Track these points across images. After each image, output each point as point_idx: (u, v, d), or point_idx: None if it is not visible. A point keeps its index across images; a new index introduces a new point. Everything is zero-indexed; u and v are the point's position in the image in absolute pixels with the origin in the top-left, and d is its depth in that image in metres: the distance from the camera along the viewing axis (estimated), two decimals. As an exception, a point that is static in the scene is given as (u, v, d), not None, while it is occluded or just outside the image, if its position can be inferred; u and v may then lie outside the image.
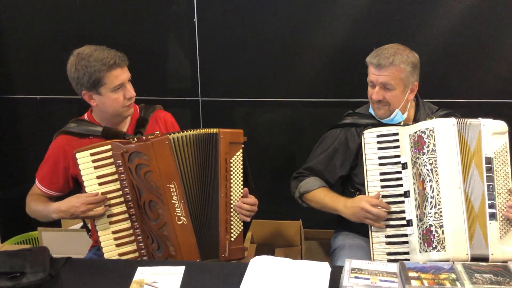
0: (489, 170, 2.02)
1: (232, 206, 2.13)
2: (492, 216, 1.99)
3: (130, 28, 2.93)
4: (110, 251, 2.05)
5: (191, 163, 2.09)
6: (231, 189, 2.13)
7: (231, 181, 2.13)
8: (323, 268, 1.76)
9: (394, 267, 1.65)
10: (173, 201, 2.04)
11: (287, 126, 3.09)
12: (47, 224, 2.87)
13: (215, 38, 2.92)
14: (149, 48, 2.95)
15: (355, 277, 1.59)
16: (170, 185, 2.04)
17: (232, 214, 2.14)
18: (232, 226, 2.14)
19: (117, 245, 2.05)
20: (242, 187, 2.15)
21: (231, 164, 2.13)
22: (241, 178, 2.15)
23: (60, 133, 2.22)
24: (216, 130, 2.12)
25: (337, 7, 2.84)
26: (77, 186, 2.25)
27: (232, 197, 2.14)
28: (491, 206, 2.00)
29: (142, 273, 1.79)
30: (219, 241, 2.12)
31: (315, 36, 2.89)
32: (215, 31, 2.91)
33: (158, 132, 2.13)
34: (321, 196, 2.30)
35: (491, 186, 2.01)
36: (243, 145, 2.16)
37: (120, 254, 2.05)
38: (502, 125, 2.07)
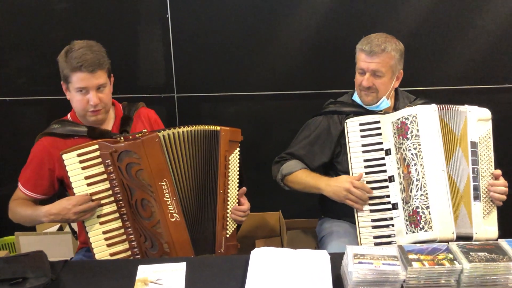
0: (474, 154, 2.13)
1: (228, 203, 2.16)
2: (477, 197, 2.10)
3: (101, 25, 2.88)
4: (101, 251, 2.03)
5: (183, 160, 2.09)
6: (228, 186, 2.16)
7: (229, 178, 2.16)
8: (323, 256, 1.80)
9: (394, 251, 1.71)
10: (165, 199, 2.04)
11: (263, 119, 3.14)
12: (24, 228, 2.83)
13: (189, 34, 2.92)
14: (122, 46, 2.92)
15: (359, 263, 1.64)
16: (162, 183, 2.04)
17: (228, 211, 2.17)
18: (227, 223, 2.17)
19: (108, 245, 2.04)
20: (238, 184, 2.18)
21: (229, 162, 2.15)
22: (237, 176, 2.19)
23: (43, 135, 2.18)
24: (217, 128, 2.14)
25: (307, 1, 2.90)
26: (62, 188, 2.22)
27: (229, 194, 2.16)
28: (476, 188, 2.11)
29: (144, 272, 1.79)
30: (216, 237, 2.15)
31: (287, 30, 2.94)
32: (189, 26, 2.91)
33: (145, 130, 2.12)
34: (303, 176, 2.35)
35: (475, 169, 2.12)
36: (239, 144, 2.20)
37: (112, 254, 2.03)
38: (486, 112, 2.18)
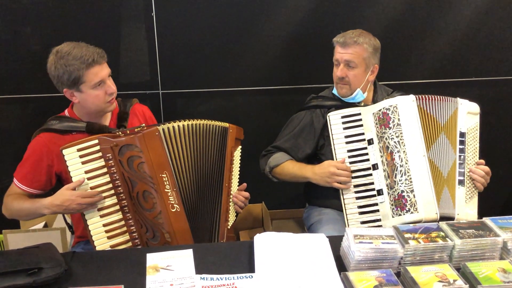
0: (462, 143, 2.29)
1: (231, 197, 2.26)
2: (461, 182, 2.26)
3: (86, 23, 2.90)
4: (102, 243, 2.07)
5: (184, 152, 2.16)
6: (232, 181, 2.26)
7: (232, 173, 2.26)
8: (322, 239, 1.92)
9: (390, 231, 1.84)
10: (166, 190, 2.11)
11: (246, 113, 3.22)
12: (11, 226, 2.83)
13: (174, 31, 2.97)
14: (107, 43, 2.90)
15: (360, 242, 1.76)
16: (162, 175, 2.10)
17: (230, 203, 2.26)
18: (229, 215, 2.26)
19: (109, 237, 2.08)
20: (238, 179, 2.29)
21: (234, 158, 2.25)
22: (238, 172, 2.30)
23: (42, 131, 2.20)
24: (226, 125, 2.24)
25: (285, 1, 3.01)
26: (59, 183, 2.24)
27: (232, 189, 2.27)
28: (461, 174, 2.27)
29: (153, 259, 1.84)
30: (220, 228, 2.23)
31: (268, 26, 3.04)
32: (173, 24, 2.96)
33: (144, 125, 2.18)
34: (290, 167, 2.48)
35: (462, 156, 2.28)
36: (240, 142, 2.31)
37: (112, 246, 2.08)
38: (475, 107, 2.37)
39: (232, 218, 2.28)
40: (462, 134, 2.30)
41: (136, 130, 2.13)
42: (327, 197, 2.49)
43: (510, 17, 3.16)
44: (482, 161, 2.31)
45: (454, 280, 1.63)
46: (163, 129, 2.12)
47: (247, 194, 2.32)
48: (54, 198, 2.05)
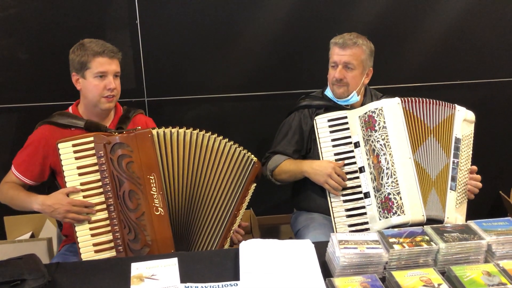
0: (456, 148, 2.31)
1: (234, 226, 2.28)
2: (453, 187, 2.27)
3: (70, 31, 2.90)
4: (85, 240, 2.10)
5: (180, 159, 2.18)
6: (240, 211, 2.29)
7: (243, 205, 2.29)
8: (307, 245, 1.91)
9: (375, 236, 1.84)
10: (152, 192, 2.12)
11: (237, 119, 3.23)
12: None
13: (158, 39, 2.98)
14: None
15: (345, 248, 1.76)
16: (150, 177, 2.12)
17: (231, 232, 2.28)
18: (226, 241, 2.28)
19: (93, 235, 2.10)
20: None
21: (249, 191, 2.29)
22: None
23: (44, 123, 2.30)
24: (255, 159, 2.28)
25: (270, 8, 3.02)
26: (52, 177, 2.31)
27: (237, 218, 2.29)
28: (454, 178, 2.28)
29: (138, 268, 1.82)
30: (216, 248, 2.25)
31: (256, 31, 3.06)
32: (158, 31, 2.97)
33: (139, 127, 2.25)
34: (287, 165, 2.49)
35: (455, 161, 2.29)
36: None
37: (95, 244, 2.10)
38: (471, 115, 2.39)
39: (227, 244, 2.30)
40: (458, 140, 2.31)
41: (131, 131, 2.17)
42: (315, 200, 2.50)
43: (495, 20, 3.18)
44: (475, 167, 2.34)
45: (439, 284, 1.63)
46: (157, 132, 2.15)
47: (243, 232, 2.35)
48: (47, 198, 2.12)
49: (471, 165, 2.35)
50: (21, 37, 2.89)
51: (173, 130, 2.17)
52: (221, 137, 2.24)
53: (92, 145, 2.10)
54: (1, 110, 3.01)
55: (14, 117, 3.02)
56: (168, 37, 2.98)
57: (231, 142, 2.25)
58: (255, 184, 2.33)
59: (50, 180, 2.31)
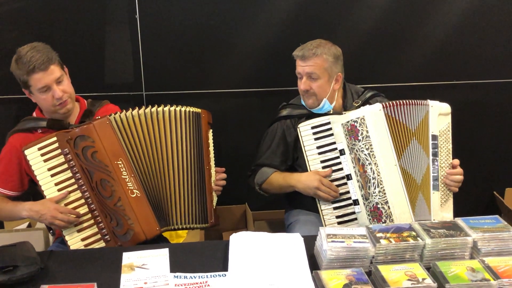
0: (435, 146, 2.28)
1: (212, 178, 2.29)
2: (435, 187, 2.26)
3: (70, 25, 2.92)
4: (73, 238, 2.14)
5: (141, 139, 2.21)
6: (210, 163, 2.30)
7: (209, 156, 2.30)
8: (296, 238, 1.94)
9: (363, 230, 1.87)
10: (123, 176, 2.16)
11: (227, 115, 3.23)
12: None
13: (157, 34, 2.99)
14: (91, 45, 2.96)
15: (332, 241, 1.79)
16: (118, 162, 2.16)
17: (213, 185, 2.30)
18: (213, 196, 2.31)
19: (79, 231, 2.15)
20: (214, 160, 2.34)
21: (209, 140, 2.30)
22: (213, 153, 2.33)
23: (12, 133, 2.30)
24: (198, 110, 2.30)
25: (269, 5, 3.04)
26: (33, 184, 2.30)
27: (211, 171, 2.30)
28: (435, 178, 2.27)
29: (129, 258, 1.86)
30: (207, 209, 2.29)
31: (255, 27, 3.07)
32: (157, 25, 2.98)
33: (99, 117, 2.24)
34: (275, 178, 2.48)
35: (435, 160, 2.27)
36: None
37: (83, 239, 2.14)
38: (446, 107, 2.33)
39: (215, 199, 2.33)
40: (434, 137, 2.28)
41: (90, 122, 2.19)
42: (308, 201, 2.48)
43: (495, 21, 3.20)
44: (457, 161, 2.29)
45: (423, 279, 1.66)
46: (114, 118, 2.18)
47: (224, 175, 2.37)
48: (34, 204, 2.14)
49: (453, 158, 2.31)
50: (24, 30, 2.91)
51: (127, 113, 2.20)
52: (168, 106, 2.26)
53: (56, 144, 2.12)
54: (3, 101, 3.03)
55: (14, 108, 3.05)
56: (167, 31, 2.99)
57: (175, 106, 2.26)
58: (211, 130, 2.35)
59: (31, 188, 2.31)
